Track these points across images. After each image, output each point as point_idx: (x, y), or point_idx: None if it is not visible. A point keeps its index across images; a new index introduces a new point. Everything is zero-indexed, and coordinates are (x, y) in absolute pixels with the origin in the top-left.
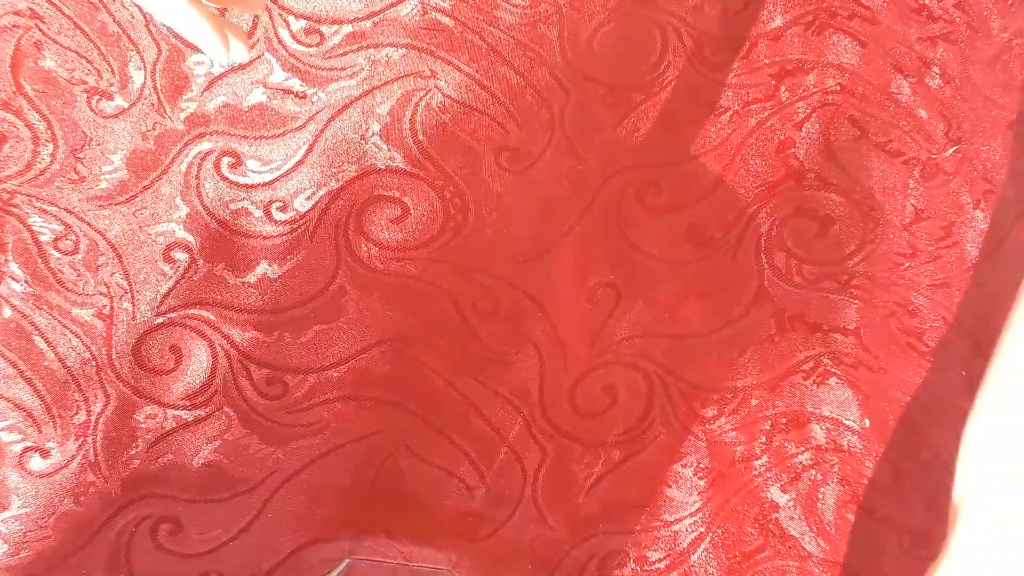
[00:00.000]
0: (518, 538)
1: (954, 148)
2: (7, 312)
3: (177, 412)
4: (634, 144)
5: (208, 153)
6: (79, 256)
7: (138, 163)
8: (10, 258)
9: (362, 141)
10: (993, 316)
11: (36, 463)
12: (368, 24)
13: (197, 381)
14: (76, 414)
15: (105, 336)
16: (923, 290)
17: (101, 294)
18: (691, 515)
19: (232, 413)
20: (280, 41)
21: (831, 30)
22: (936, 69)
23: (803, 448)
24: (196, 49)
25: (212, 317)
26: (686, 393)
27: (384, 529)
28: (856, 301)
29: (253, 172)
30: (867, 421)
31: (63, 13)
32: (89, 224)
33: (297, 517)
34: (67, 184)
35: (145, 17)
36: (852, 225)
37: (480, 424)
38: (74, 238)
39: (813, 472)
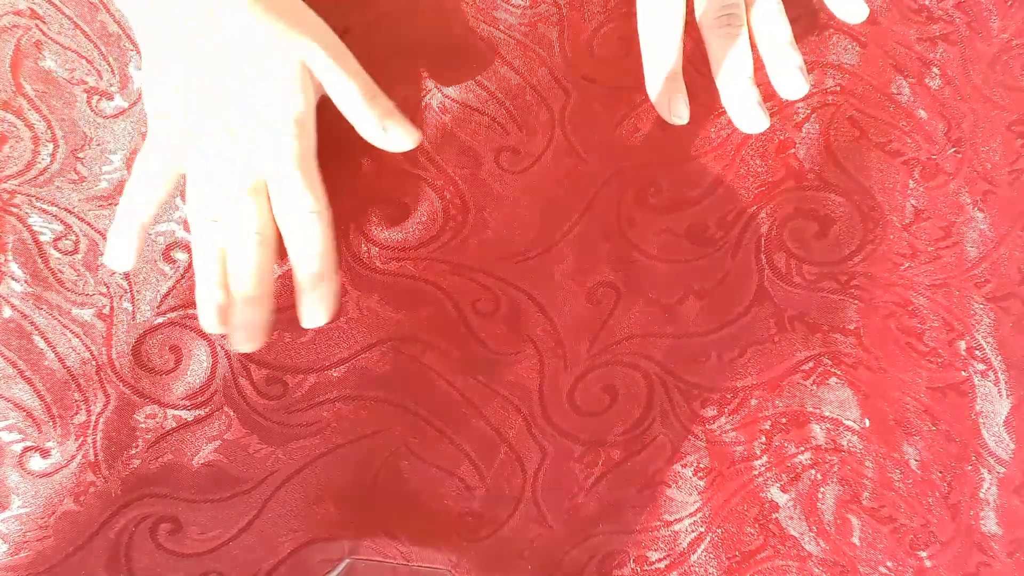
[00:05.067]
0: (518, 538)
1: (953, 149)
2: (7, 312)
3: (177, 412)
4: (634, 144)
5: None
6: (79, 256)
7: None
8: (10, 258)
9: None
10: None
11: (36, 463)
12: None
13: (197, 381)
14: (76, 414)
15: (105, 336)
16: (923, 290)
17: (101, 294)
18: (691, 515)
19: (232, 413)
20: None
21: (831, 30)
22: (936, 69)
23: (803, 448)
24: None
25: None
26: (686, 393)
27: (384, 529)
28: (856, 301)
29: None
30: (867, 421)
31: (63, 13)
32: (89, 224)
33: (297, 517)
34: (67, 184)
35: None
36: (852, 225)
37: (480, 424)
38: (74, 238)
39: (813, 472)
